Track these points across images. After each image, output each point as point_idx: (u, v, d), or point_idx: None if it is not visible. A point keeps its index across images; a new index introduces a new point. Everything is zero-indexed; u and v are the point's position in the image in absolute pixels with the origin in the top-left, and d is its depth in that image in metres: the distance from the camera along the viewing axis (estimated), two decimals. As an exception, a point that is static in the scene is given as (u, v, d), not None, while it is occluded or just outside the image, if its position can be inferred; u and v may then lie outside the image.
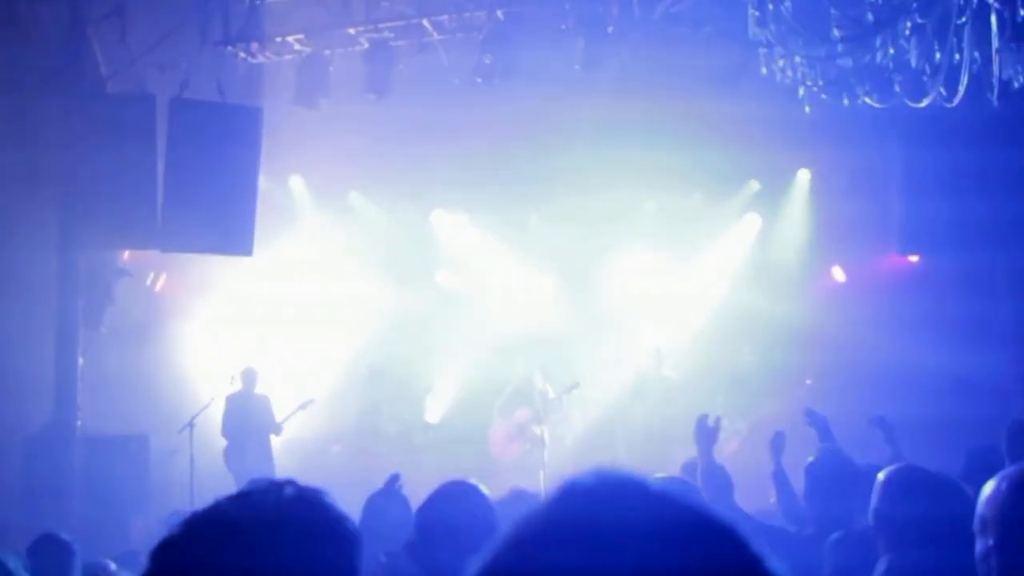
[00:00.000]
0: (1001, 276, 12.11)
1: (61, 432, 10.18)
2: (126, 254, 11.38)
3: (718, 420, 5.77)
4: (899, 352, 12.63)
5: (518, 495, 5.37)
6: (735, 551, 0.90)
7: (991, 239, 11.48)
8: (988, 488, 2.56)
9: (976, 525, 2.55)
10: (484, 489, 3.41)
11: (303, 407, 11.93)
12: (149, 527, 10.20)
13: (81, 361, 10.44)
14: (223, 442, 11.51)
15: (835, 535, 4.10)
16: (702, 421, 5.70)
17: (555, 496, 0.93)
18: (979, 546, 2.53)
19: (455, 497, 3.31)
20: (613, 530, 0.87)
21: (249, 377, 11.89)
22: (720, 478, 5.53)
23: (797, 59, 6.75)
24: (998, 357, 12.02)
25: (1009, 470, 2.56)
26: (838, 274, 14.30)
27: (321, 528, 1.73)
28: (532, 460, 12.38)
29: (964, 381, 12.25)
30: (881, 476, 3.45)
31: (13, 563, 3.46)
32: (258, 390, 11.94)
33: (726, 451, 12.05)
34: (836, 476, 4.51)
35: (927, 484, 3.41)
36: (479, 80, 10.43)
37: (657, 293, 14.61)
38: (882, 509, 3.36)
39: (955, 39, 6.82)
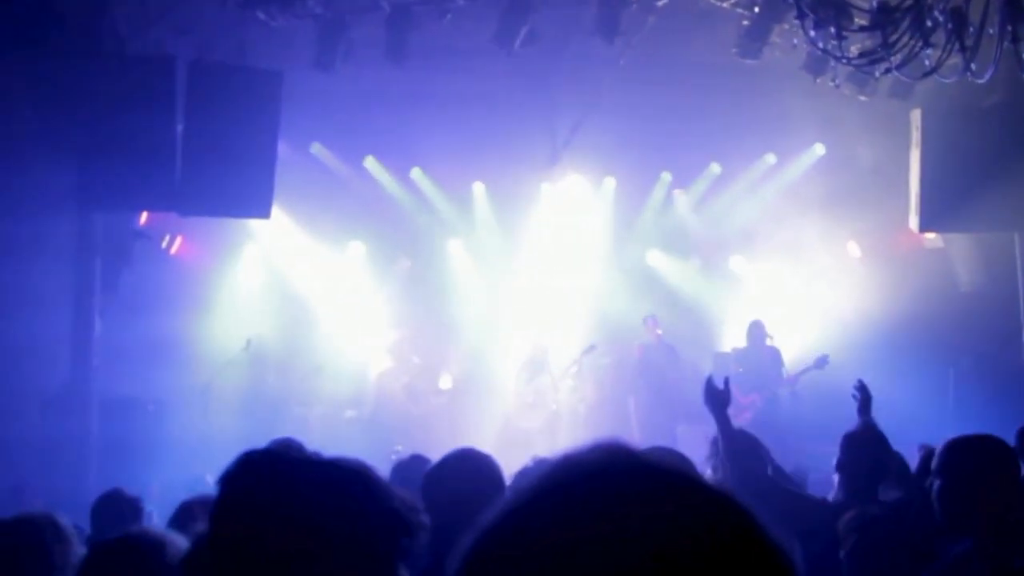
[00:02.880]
0: (1018, 254, 12.07)
1: (78, 394, 10.18)
2: (143, 216, 11.36)
3: (727, 380, 4.86)
4: (912, 328, 12.64)
5: (540, 464, 5.35)
6: (734, 521, 0.89)
7: (1011, 217, 11.43)
8: None
9: None
10: (495, 459, 3.38)
11: (309, 375, 12.02)
12: (164, 490, 10.25)
13: (98, 323, 10.45)
14: (238, 406, 11.55)
15: (853, 513, 4.05)
16: (710, 383, 4.86)
17: (550, 470, 0.92)
18: None
19: (462, 463, 3.28)
20: (607, 503, 0.87)
21: (264, 343, 11.92)
22: (744, 442, 4.86)
23: (831, 30, 6.69)
24: (1014, 336, 12.01)
25: None
26: (853, 249, 14.27)
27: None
28: (546, 428, 12.47)
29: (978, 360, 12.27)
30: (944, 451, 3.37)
31: (63, 520, 3.46)
32: (274, 356, 11.98)
33: (738, 422, 12.10)
34: (871, 450, 4.49)
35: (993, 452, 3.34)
36: (500, 48, 10.34)
37: (670, 264, 14.64)
38: (949, 484, 3.28)
39: (986, 14, 6.76)
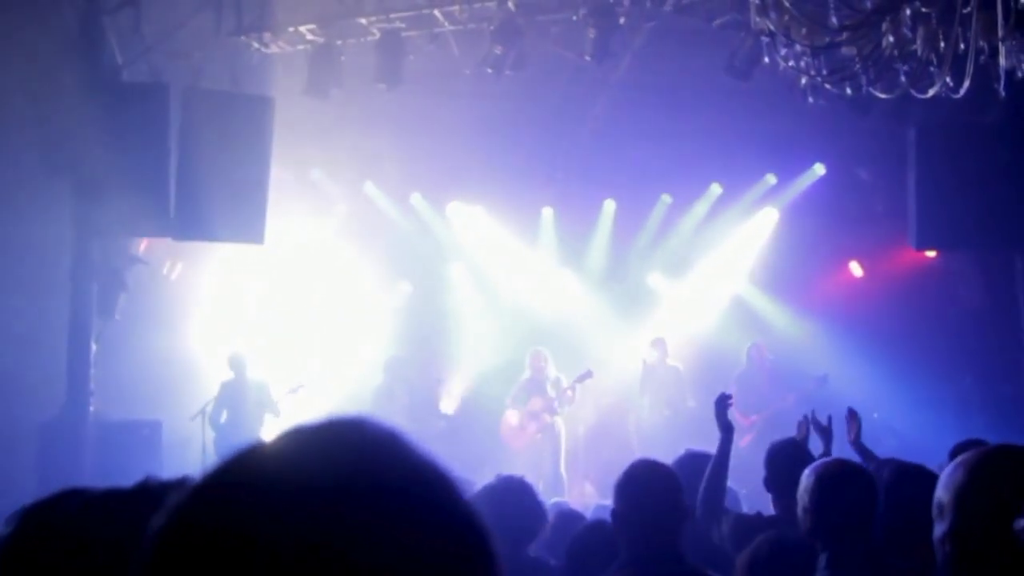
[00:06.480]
0: (1019, 273, 11.96)
1: (74, 418, 10.28)
2: (143, 244, 11.48)
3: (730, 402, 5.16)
4: (914, 348, 12.55)
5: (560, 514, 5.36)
6: (441, 501, 0.88)
7: (1011, 235, 11.34)
8: (946, 473, 2.54)
9: (934, 510, 2.54)
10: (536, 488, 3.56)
11: (293, 391, 11.82)
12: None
13: (95, 348, 10.55)
14: (235, 428, 11.47)
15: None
16: (722, 399, 5.10)
17: (261, 444, 0.91)
18: (936, 530, 2.52)
19: (506, 492, 3.45)
20: (301, 479, 0.85)
21: (238, 362, 11.67)
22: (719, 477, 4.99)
23: (798, 48, 6.69)
24: (1015, 356, 11.89)
25: (966, 456, 2.54)
26: (855, 269, 14.20)
27: None
28: (545, 449, 12.43)
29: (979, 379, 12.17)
30: (808, 474, 3.47)
31: None
32: (252, 375, 11.73)
33: (739, 445, 12.02)
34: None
35: (853, 478, 3.42)
36: (490, 71, 10.42)
37: (671, 286, 14.61)
38: (814, 505, 3.38)
39: (960, 28, 6.74)
